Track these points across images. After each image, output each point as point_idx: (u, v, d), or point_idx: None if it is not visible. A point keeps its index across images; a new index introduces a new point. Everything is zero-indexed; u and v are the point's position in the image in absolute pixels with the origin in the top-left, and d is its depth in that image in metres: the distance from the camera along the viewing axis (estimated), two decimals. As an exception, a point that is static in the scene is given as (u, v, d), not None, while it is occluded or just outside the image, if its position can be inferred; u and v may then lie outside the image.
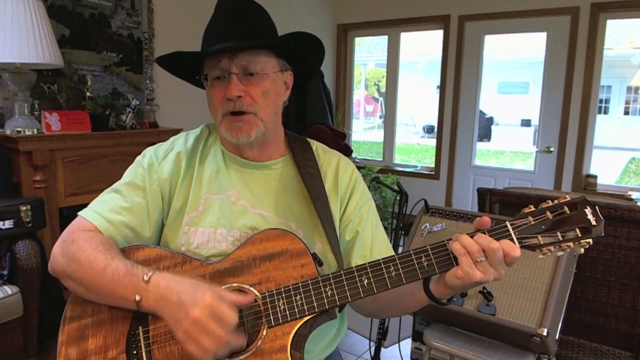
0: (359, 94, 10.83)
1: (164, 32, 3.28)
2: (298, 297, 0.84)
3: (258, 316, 0.85)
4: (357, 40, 5.24)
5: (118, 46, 3.01)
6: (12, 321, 1.90)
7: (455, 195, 4.60)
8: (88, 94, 2.74)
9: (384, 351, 2.26)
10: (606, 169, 7.49)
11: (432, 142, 5.59)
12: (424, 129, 12.62)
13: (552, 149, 4.09)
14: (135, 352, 0.84)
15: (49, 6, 2.56)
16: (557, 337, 1.47)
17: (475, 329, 1.62)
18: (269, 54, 0.96)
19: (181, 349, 0.83)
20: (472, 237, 0.78)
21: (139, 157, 1.05)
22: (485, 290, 1.52)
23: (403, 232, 2.02)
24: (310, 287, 0.84)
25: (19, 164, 2.29)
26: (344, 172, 1.07)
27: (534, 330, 1.42)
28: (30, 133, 2.30)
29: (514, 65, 10.65)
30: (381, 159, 5.14)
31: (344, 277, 0.84)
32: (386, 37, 4.96)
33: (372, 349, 2.16)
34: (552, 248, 0.77)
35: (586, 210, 0.76)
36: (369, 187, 1.12)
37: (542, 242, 0.77)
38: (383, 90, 7.52)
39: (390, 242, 1.17)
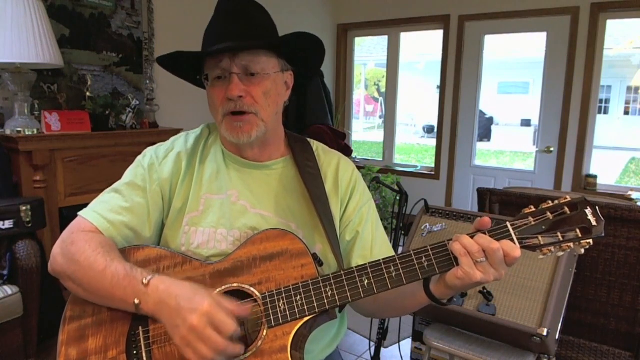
0: (359, 94, 10.83)
1: (164, 32, 3.28)
2: (298, 297, 0.84)
3: (258, 316, 0.85)
4: (357, 40, 5.24)
5: (118, 46, 3.01)
6: (12, 321, 1.90)
7: (455, 195, 4.60)
8: (88, 94, 2.74)
9: (384, 351, 2.26)
10: (606, 169, 7.50)
11: (432, 142, 5.59)
12: (424, 129, 12.62)
13: (552, 149, 4.09)
14: (135, 352, 0.84)
15: (49, 6, 2.56)
16: (557, 337, 1.47)
17: (475, 329, 1.62)
18: (269, 54, 0.96)
19: (182, 353, 0.83)
20: (472, 237, 0.78)
21: (139, 157, 1.05)
22: (485, 290, 1.52)
23: (403, 232, 2.02)
24: (311, 287, 0.84)
25: (19, 164, 2.29)
26: (344, 172, 1.07)
27: (534, 330, 1.42)
28: (30, 133, 2.30)
29: (514, 65, 10.66)
30: (381, 159, 5.14)
31: (344, 278, 0.84)
32: (386, 37, 4.96)
33: (372, 349, 2.16)
34: (552, 248, 0.77)
35: (586, 210, 0.76)
36: (369, 187, 1.12)
37: (542, 243, 0.77)
38: (383, 90, 7.52)
39: (390, 242, 1.17)
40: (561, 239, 0.76)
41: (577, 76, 3.86)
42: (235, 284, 0.88)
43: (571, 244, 0.76)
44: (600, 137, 4.40)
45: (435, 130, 4.74)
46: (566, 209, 0.78)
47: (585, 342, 1.84)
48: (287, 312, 0.84)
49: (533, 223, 0.78)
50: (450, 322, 1.69)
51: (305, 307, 0.83)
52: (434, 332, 1.67)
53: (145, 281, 0.82)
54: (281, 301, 0.84)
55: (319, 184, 1.02)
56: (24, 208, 2.00)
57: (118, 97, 2.98)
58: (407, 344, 2.20)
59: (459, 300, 1.56)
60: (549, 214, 0.78)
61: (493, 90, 11.67)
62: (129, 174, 1.02)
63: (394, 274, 0.82)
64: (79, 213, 0.97)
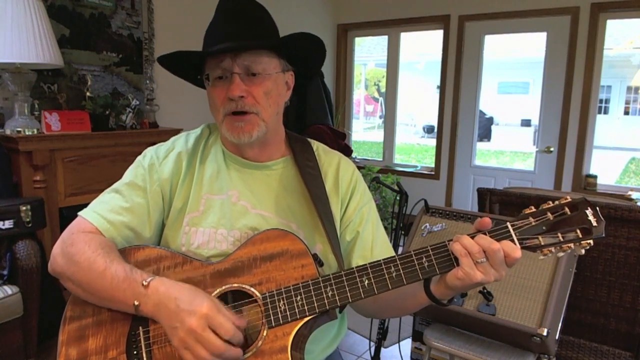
0: (359, 94, 10.84)
1: (164, 32, 3.28)
2: (298, 297, 0.84)
3: (258, 317, 0.85)
4: (357, 40, 5.24)
5: (118, 46, 3.00)
6: (12, 321, 1.90)
7: (455, 195, 4.60)
8: (88, 94, 2.74)
9: (384, 351, 2.26)
10: (606, 169, 7.50)
11: (432, 142, 5.59)
12: (424, 129, 12.62)
13: (552, 149, 4.09)
14: (135, 352, 0.84)
15: (49, 6, 2.56)
16: (557, 337, 1.47)
17: (475, 329, 1.62)
18: (271, 54, 0.96)
19: (179, 355, 0.83)
20: (472, 237, 0.78)
21: (139, 157, 1.05)
22: (485, 290, 1.52)
23: (403, 232, 2.02)
24: (311, 287, 0.84)
25: (19, 164, 2.29)
26: (344, 172, 1.07)
27: (534, 330, 1.42)
28: (30, 133, 2.30)
29: (514, 65, 10.66)
30: (381, 159, 5.14)
31: (344, 278, 0.84)
32: (386, 37, 4.96)
33: (372, 349, 2.16)
34: (552, 249, 0.77)
35: (587, 211, 0.76)
36: (369, 187, 1.12)
37: (542, 243, 0.77)
38: (383, 90, 7.52)
39: (390, 242, 1.17)
40: (561, 240, 0.76)
41: (577, 76, 3.86)
42: (235, 284, 0.88)
43: (572, 245, 0.76)
44: (600, 137, 4.40)
45: (435, 130, 4.74)
46: (566, 209, 0.78)
47: (585, 342, 1.84)
48: (288, 313, 0.83)
49: (533, 223, 0.78)
50: (450, 322, 1.69)
51: (306, 308, 0.83)
52: (434, 332, 1.67)
53: (145, 283, 0.82)
54: (281, 301, 0.84)
55: (320, 184, 1.02)
56: (24, 208, 2.00)
57: (118, 97, 2.98)
58: (407, 344, 2.20)
59: (459, 301, 1.56)
60: (549, 214, 0.78)
61: (493, 90, 11.68)
62: (129, 174, 1.02)
63: (394, 274, 0.82)
64: (79, 213, 0.97)
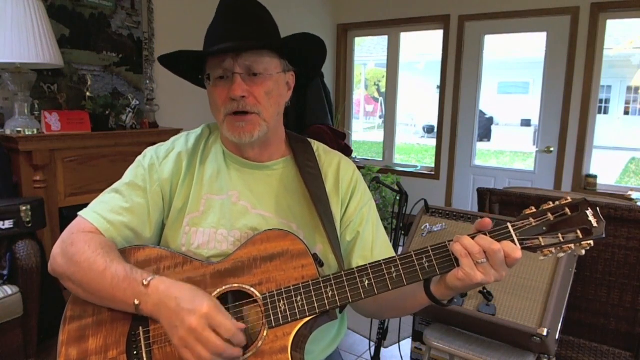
0: (359, 94, 10.83)
1: (164, 32, 3.28)
2: (299, 297, 0.84)
3: (258, 317, 0.85)
4: (357, 40, 5.24)
5: (118, 46, 3.00)
6: (12, 321, 1.90)
7: (455, 195, 4.60)
8: (88, 94, 2.74)
9: (384, 351, 2.26)
10: (606, 169, 7.50)
11: (432, 142, 5.59)
12: (424, 129, 12.62)
13: (552, 149, 4.09)
14: (135, 352, 0.84)
15: (49, 6, 2.56)
16: (557, 337, 1.47)
17: (475, 329, 1.62)
18: (272, 55, 0.96)
19: (179, 354, 0.83)
20: (473, 238, 0.78)
21: (139, 157, 1.05)
22: (485, 290, 1.52)
23: (403, 232, 2.02)
24: (311, 287, 0.84)
25: (19, 164, 2.29)
26: (345, 172, 1.07)
27: (534, 330, 1.42)
28: (30, 133, 2.30)
29: (514, 65, 10.66)
30: (381, 159, 5.14)
31: (344, 278, 0.83)
32: (386, 37, 4.96)
33: (372, 349, 2.16)
34: (553, 249, 0.77)
35: (587, 211, 0.76)
36: (369, 187, 1.12)
37: (543, 244, 0.77)
38: (383, 90, 7.52)
39: (390, 242, 1.17)
40: (562, 240, 0.76)
41: (577, 76, 3.86)
42: (235, 285, 0.88)
43: (572, 245, 0.76)
44: (600, 137, 4.40)
45: (435, 130, 4.74)
46: (567, 210, 0.77)
47: (585, 342, 1.84)
48: (288, 313, 0.83)
49: (534, 224, 0.78)
50: (450, 322, 1.69)
51: (306, 308, 0.83)
52: (434, 332, 1.67)
53: (145, 282, 0.82)
54: (282, 302, 0.84)
55: (320, 184, 1.02)
56: (24, 208, 2.00)
57: (118, 97, 2.98)
58: (407, 344, 2.20)
59: (459, 301, 1.55)
60: (549, 215, 0.78)
61: (493, 90, 11.68)
62: (129, 174, 1.02)
63: (394, 274, 0.82)
64: (79, 213, 0.97)
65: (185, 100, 3.30)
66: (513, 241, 0.78)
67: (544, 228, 0.78)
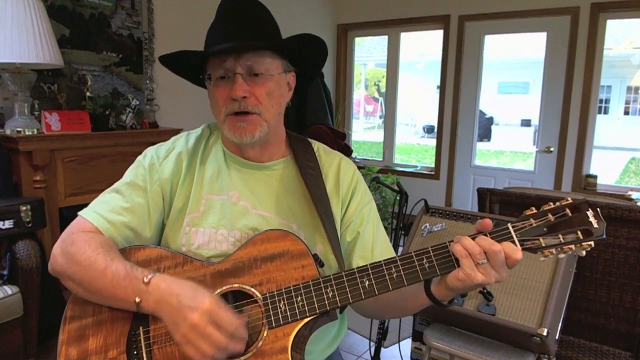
0: (359, 94, 10.84)
1: (164, 32, 3.27)
2: (299, 298, 0.84)
3: (259, 317, 0.85)
4: (357, 40, 5.24)
5: (118, 46, 3.00)
6: (12, 321, 1.90)
7: (455, 195, 4.60)
8: (88, 94, 2.74)
9: (384, 351, 2.26)
10: (606, 169, 7.50)
11: (432, 142, 5.59)
12: (424, 129, 12.62)
13: (552, 149, 4.09)
14: (135, 352, 0.84)
15: (49, 6, 2.55)
16: (557, 337, 1.47)
17: (475, 329, 1.62)
18: (273, 55, 0.96)
19: (182, 350, 0.83)
20: (473, 239, 0.78)
21: (139, 157, 1.05)
22: (485, 290, 1.52)
23: (403, 232, 2.02)
24: (311, 288, 0.84)
25: (19, 164, 2.29)
26: (345, 173, 1.07)
27: (534, 330, 1.42)
28: (30, 133, 2.30)
29: (514, 65, 10.66)
30: (381, 159, 5.14)
31: (345, 278, 0.83)
32: (386, 37, 4.96)
33: (372, 349, 2.16)
34: (553, 250, 0.77)
35: (588, 212, 0.76)
36: (369, 187, 1.12)
37: (543, 245, 0.77)
38: (383, 90, 7.52)
39: (390, 242, 1.17)
40: (562, 241, 0.76)
41: (577, 76, 3.86)
42: (236, 285, 0.88)
43: (572, 246, 0.76)
44: (600, 137, 4.40)
45: (435, 130, 4.74)
46: (567, 210, 0.77)
47: (585, 342, 1.84)
48: (288, 313, 0.83)
49: (534, 225, 0.78)
50: (450, 322, 1.69)
51: (306, 308, 0.83)
52: (434, 332, 1.67)
53: (146, 280, 0.82)
54: (282, 302, 0.84)
55: (320, 184, 1.02)
56: (24, 208, 2.00)
57: (118, 97, 2.98)
58: (407, 344, 2.20)
59: (459, 301, 1.56)
60: (550, 215, 0.78)
61: (493, 90, 11.68)
62: (129, 174, 1.02)
63: (394, 275, 0.82)
64: (79, 213, 0.97)
65: (185, 100, 3.30)
66: (514, 242, 0.78)
67: (545, 229, 0.77)
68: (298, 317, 0.83)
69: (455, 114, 4.48)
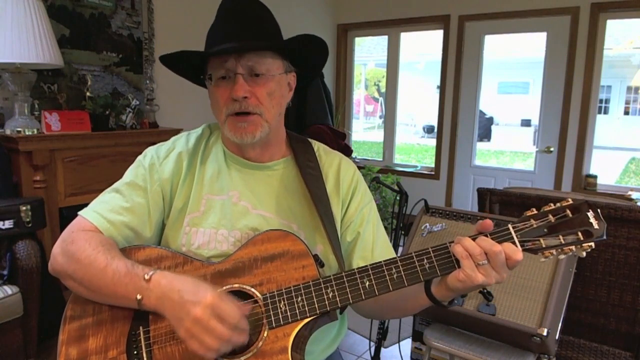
0: (359, 94, 10.83)
1: (164, 32, 3.27)
2: (299, 298, 0.84)
3: (259, 317, 0.85)
4: (357, 40, 5.24)
5: (118, 46, 3.00)
6: (12, 321, 1.90)
7: (455, 195, 4.60)
8: (88, 94, 2.74)
9: (384, 351, 2.26)
10: (606, 169, 7.50)
11: (432, 142, 5.59)
12: (424, 129, 12.62)
13: (552, 149, 4.09)
14: (135, 352, 0.84)
15: (49, 6, 2.55)
16: (557, 337, 1.47)
17: (475, 329, 1.62)
18: (274, 55, 0.96)
19: (182, 350, 0.83)
20: (474, 239, 0.78)
21: (140, 157, 1.05)
22: (485, 290, 1.52)
23: (403, 232, 2.02)
24: (312, 288, 0.84)
25: (19, 164, 2.29)
26: (345, 173, 1.07)
27: (534, 330, 1.42)
28: (30, 133, 2.30)
29: (514, 65, 10.66)
30: (381, 159, 5.14)
31: (345, 279, 0.83)
32: (386, 37, 4.96)
33: (372, 349, 2.16)
34: (554, 251, 0.76)
35: (588, 213, 0.76)
36: (369, 187, 1.12)
37: (544, 246, 0.77)
38: (383, 90, 7.52)
39: (391, 242, 1.17)
40: (563, 242, 0.76)
41: (577, 76, 3.86)
42: (236, 285, 0.88)
43: (573, 247, 0.76)
44: (600, 137, 4.40)
45: (435, 130, 4.74)
46: (568, 211, 0.77)
47: (585, 342, 1.84)
48: (288, 313, 0.83)
49: (535, 226, 0.78)
50: (450, 322, 1.69)
51: (306, 308, 0.83)
52: (434, 332, 1.67)
53: (146, 277, 0.82)
54: (282, 302, 0.84)
55: (320, 184, 1.02)
56: (24, 208, 2.00)
57: (118, 97, 2.98)
58: (407, 344, 2.20)
59: (459, 301, 1.56)
60: (550, 216, 0.78)
61: (493, 90, 11.68)
62: (129, 174, 1.02)
63: (395, 275, 0.82)
64: (79, 213, 0.97)
65: (185, 100, 3.30)
66: (514, 243, 0.77)
67: (545, 230, 0.77)
68: (298, 317, 0.83)
69: (455, 114, 4.49)
